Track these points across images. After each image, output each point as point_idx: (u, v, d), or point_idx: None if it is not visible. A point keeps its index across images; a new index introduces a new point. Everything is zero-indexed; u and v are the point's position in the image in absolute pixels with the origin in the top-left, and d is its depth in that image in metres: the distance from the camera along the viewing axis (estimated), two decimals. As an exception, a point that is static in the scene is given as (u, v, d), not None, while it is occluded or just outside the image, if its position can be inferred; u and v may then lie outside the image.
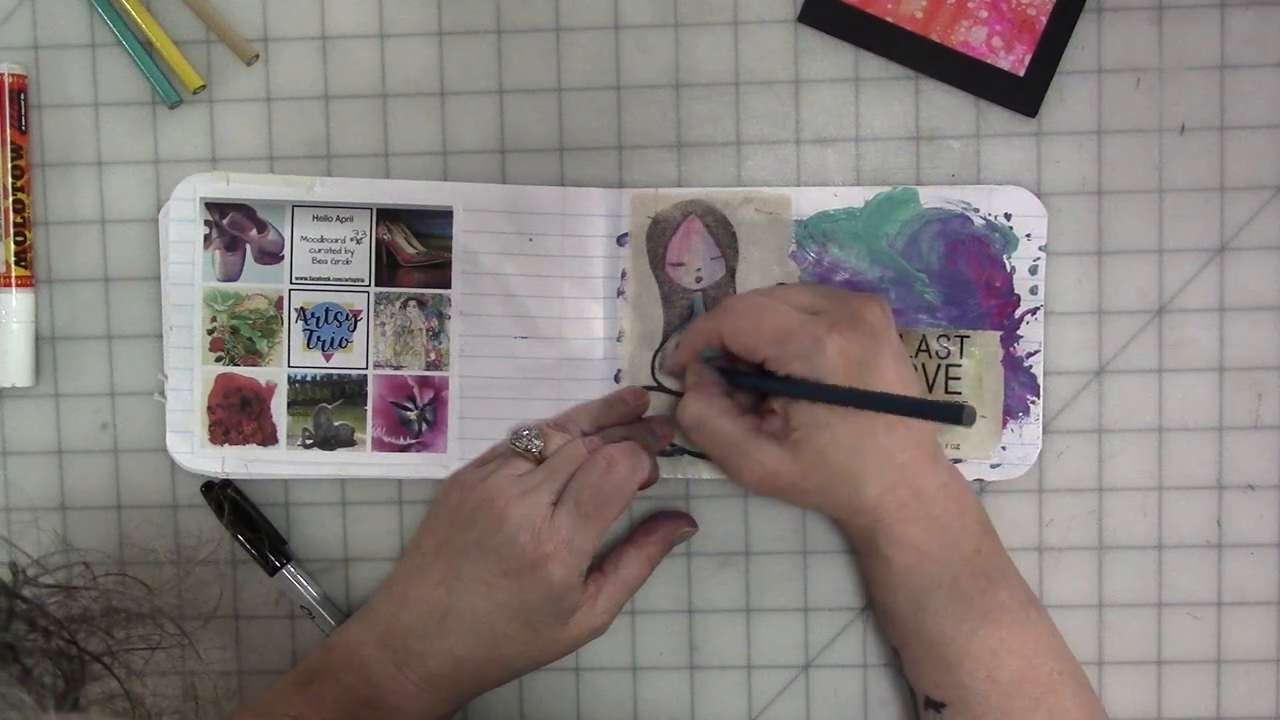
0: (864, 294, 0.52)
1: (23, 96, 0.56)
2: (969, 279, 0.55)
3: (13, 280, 0.56)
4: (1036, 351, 0.55)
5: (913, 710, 0.53)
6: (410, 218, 0.56)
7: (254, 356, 0.56)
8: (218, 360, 0.56)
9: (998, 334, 0.55)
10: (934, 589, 0.50)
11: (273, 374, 0.56)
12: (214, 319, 0.56)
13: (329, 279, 0.56)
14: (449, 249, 0.56)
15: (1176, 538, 0.56)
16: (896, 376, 0.49)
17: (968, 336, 0.55)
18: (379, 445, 0.56)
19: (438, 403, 0.56)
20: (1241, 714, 0.56)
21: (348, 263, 0.56)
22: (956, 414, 0.44)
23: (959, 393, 0.55)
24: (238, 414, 0.56)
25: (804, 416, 0.48)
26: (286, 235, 0.56)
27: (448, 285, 0.56)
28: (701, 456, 0.56)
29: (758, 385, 0.51)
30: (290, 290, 0.56)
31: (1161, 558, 0.56)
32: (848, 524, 0.52)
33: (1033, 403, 0.55)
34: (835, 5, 0.55)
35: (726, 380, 0.52)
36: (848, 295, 0.51)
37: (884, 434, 0.48)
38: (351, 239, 0.56)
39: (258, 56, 0.56)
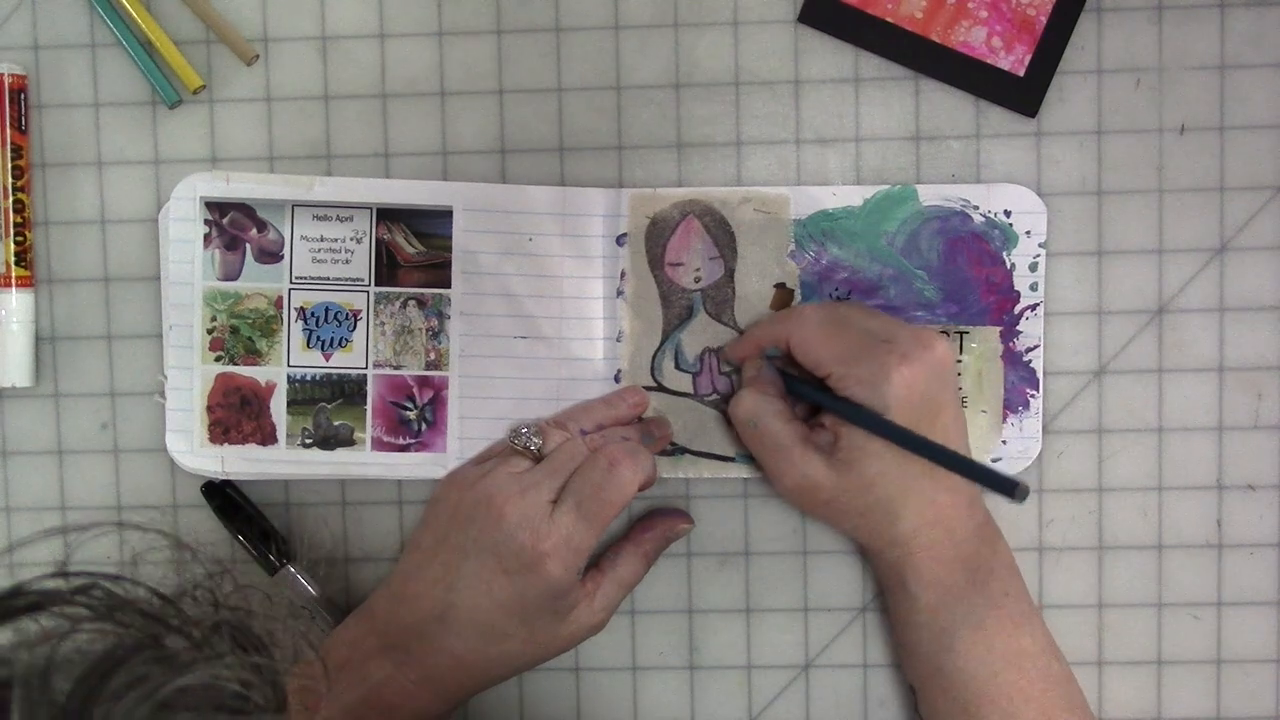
0: (932, 330, 0.52)
1: (23, 96, 0.56)
2: (968, 275, 0.55)
3: (13, 280, 0.56)
4: (1036, 346, 0.55)
5: None
6: (410, 217, 0.56)
7: (254, 356, 0.56)
8: (217, 360, 0.56)
9: (997, 329, 0.55)
10: (959, 629, 0.50)
11: (272, 373, 0.56)
12: (214, 318, 0.56)
13: (329, 278, 0.56)
14: (449, 249, 0.56)
15: (1176, 538, 0.56)
16: (954, 419, 0.50)
17: (967, 332, 0.55)
18: (379, 445, 0.56)
19: (437, 402, 0.56)
20: (1241, 714, 0.56)
21: (348, 262, 0.56)
22: (1010, 488, 0.45)
23: (959, 388, 0.55)
24: (237, 413, 0.56)
25: (855, 440, 0.49)
26: (286, 235, 0.56)
27: (448, 285, 0.56)
28: (701, 455, 0.56)
29: (818, 399, 0.51)
30: (290, 290, 0.56)
31: (1161, 558, 0.56)
32: (878, 556, 0.52)
33: (1032, 397, 0.55)
34: (835, 5, 0.55)
35: (785, 384, 0.53)
36: (918, 329, 0.50)
37: (928, 477, 0.49)
38: (351, 239, 0.56)
39: (258, 56, 0.56)
